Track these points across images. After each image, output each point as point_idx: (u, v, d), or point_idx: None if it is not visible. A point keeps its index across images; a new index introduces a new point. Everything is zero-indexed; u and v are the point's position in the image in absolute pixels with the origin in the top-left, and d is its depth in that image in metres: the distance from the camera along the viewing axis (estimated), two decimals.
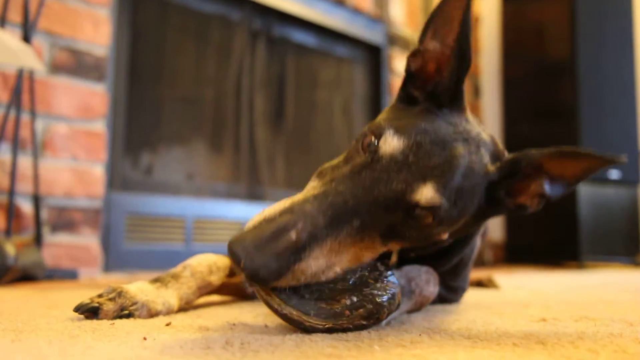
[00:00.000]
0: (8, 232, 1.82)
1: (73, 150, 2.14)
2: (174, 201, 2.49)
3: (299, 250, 0.72)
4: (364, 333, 0.78)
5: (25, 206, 1.99)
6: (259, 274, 0.70)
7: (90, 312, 0.86)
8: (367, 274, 0.83)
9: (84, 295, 0.99)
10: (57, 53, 2.13)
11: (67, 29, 2.15)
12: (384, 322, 0.84)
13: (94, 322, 0.85)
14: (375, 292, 0.81)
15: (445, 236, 0.90)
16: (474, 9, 4.18)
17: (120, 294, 0.89)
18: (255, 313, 1.01)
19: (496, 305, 1.24)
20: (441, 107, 0.90)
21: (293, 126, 3.12)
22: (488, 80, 4.25)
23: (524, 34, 3.99)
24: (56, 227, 2.08)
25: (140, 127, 2.52)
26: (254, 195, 2.85)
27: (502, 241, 4.10)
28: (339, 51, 3.36)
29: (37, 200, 1.94)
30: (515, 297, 1.46)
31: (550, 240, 3.72)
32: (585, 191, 3.55)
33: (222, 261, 1.10)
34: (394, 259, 1.00)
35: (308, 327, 0.76)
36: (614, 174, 3.60)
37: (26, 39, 1.86)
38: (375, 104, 3.45)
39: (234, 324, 0.87)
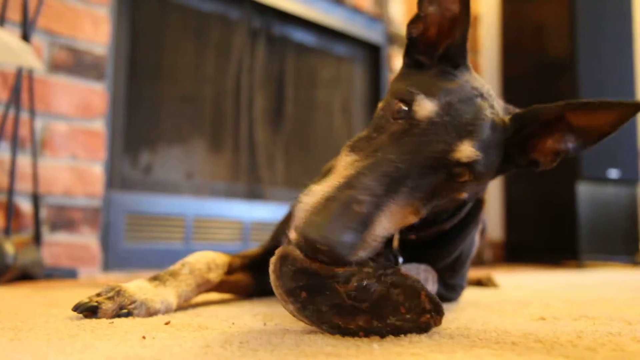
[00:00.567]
0: (7, 231, 1.82)
1: (72, 149, 2.14)
2: (174, 200, 2.49)
3: (366, 221, 0.73)
4: None
5: (25, 205, 1.99)
6: (337, 252, 0.70)
7: (89, 311, 0.86)
8: (404, 301, 0.74)
9: (83, 294, 0.99)
10: (57, 52, 2.13)
11: (67, 28, 2.15)
12: None
13: (93, 321, 0.85)
14: (402, 324, 0.74)
15: (465, 195, 0.90)
16: (473, 8, 4.18)
17: (118, 292, 0.89)
18: (254, 312, 1.01)
19: (495, 304, 1.24)
20: (456, 67, 0.92)
21: (292, 125, 3.12)
22: (487, 79, 4.25)
23: (524, 33, 3.99)
24: (55, 226, 2.08)
25: (140, 126, 2.52)
26: (254, 194, 2.85)
27: (501, 240, 4.10)
28: (338, 50, 3.36)
29: (36, 199, 1.94)
30: (515, 296, 1.46)
31: (550, 239, 3.72)
32: (585, 190, 3.55)
33: (221, 259, 1.10)
34: (395, 243, 1.01)
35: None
36: (614, 173, 3.60)
37: (25, 37, 1.86)
38: (374, 103, 3.45)
39: (232, 323, 0.87)
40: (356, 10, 3.28)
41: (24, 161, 1.98)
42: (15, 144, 1.87)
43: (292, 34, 3.12)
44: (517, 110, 0.95)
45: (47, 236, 2.05)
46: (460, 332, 0.81)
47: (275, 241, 1.23)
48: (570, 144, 0.93)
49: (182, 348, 0.66)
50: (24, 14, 1.87)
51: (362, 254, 0.74)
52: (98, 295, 0.89)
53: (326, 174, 0.88)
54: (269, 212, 2.75)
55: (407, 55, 0.98)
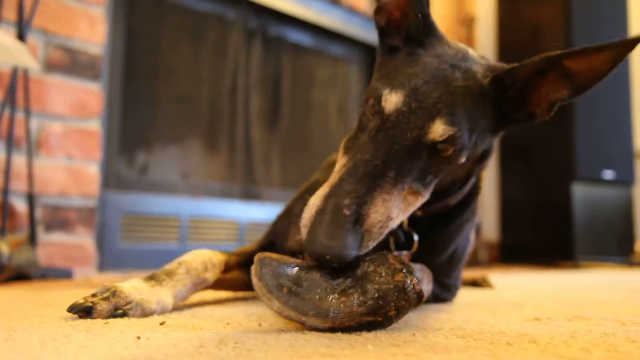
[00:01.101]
0: (2, 231, 1.82)
1: (68, 149, 2.14)
2: (169, 200, 2.49)
3: (358, 218, 0.80)
4: (358, 332, 0.78)
5: (20, 205, 1.99)
6: (345, 255, 0.78)
7: (83, 312, 0.86)
8: (373, 267, 0.80)
9: (78, 294, 0.99)
10: (52, 51, 2.12)
11: (62, 28, 2.15)
12: (396, 320, 0.80)
13: (88, 321, 0.84)
14: (379, 286, 0.77)
15: (464, 159, 0.93)
16: (470, 10, 4.19)
17: (114, 293, 0.89)
18: (249, 312, 1.01)
19: (490, 304, 1.25)
20: (421, 44, 0.96)
21: (288, 125, 3.12)
22: None
23: (520, 34, 4.00)
24: (51, 226, 2.08)
25: (136, 126, 2.51)
26: (249, 194, 2.85)
27: (496, 241, 4.11)
28: (334, 50, 3.36)
29: (31, 199, 1.94)
30: (510, 297, 1.47)
31: (545, 240, 3.73)
32: (580, 191, 3.56)
33: (217, 257, 1.10)
34: (405, 223, 1.05)
35: (309, 327, 0.77)
36: (609, 174, 3.62)
37: (21, 37, 1.86)
38: None
39: (227, 323, 0.87)
40: (352, 11, 3.28)
41: (19, 161, 1.98)
42: (11, 144, 1.86)
43: (289, 34, 3.12)
44: (505, 66, 0.96)
45: (42, 236, 2.05)
46: (454, 332, 0.82)
47: (270, 238, 1.23)
48: (565, 91, 0.95)
49: (176, 348, 0.66)
50: (19, 14, 1.86)
51: (371, 243, 0.83)
52: (93, 295, 0.89)
53: (325, 169, 0.94)
54: (264, 213, 2.75)
55: (382, 43, 1.02)
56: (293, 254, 1.03)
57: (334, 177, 0.87)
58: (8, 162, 1.86)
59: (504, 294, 1.56)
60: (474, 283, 1.83)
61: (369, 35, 3.38)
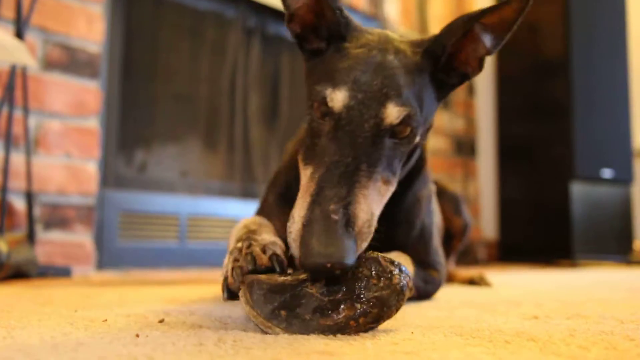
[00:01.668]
0: (1, 229, 1.81)
1: (66, 147, 2.14)
2: (168, 199, 2.49)
3: (348, 220, 0.79)
4: None
5: (18, 203, 1.99)
6: (344, 261, 0.75)
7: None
8: (371, 273, 0.78)
9: (77, 292, 0.99)
10: (50, 49, 2.12)
11: (61, 25, 2.14)
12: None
13: (87, 319, 0.84)
14: (379, 293, 0.76)
15: (418, 137, 0.96)
16: (469, 8, 4.19)
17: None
18: None
19: (488, 303, 1.25)
20: (344, 38, 0.97)
21: (287, 124, 3.12)
22: (482, 79, 4.26)
23: (519, 32, 3.92)
24: (49, 225, 2.08)
25: (134, 125, 2.51)
26: (248, 193, 2.85)
27: (495, 239, 4.11)
28: None
29: (30, 197, 1.94)
30: (508, 295, 1.47)
31: (544, 238, 3.74)
32: (579, 190, 3.56)
33: None
34: None
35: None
36: (607, 173, 3.62)
37: (19, 35, 1.85)
38: None
39: (227, 322, 0.87)
40: (351, 10, 3.28)
41: (17, 159, 1.97)
42: (9, 142, 1.86)
43: (288, 32, 3.11)
44: (423, 40, 1.00)
45: (41, 234, 2.05)
46: (453, 330, 0.82)
47: None
48: (487, 43, 1.00)
49: (175, 346, 0.66)
50: (17, 11, 1.86)
51: (364, 244, 0.81)
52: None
53: (306, 162, 0.91)
54: None
55: (303, 51, 1.03)
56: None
57: (309, 187, 0.85)
58: (6, 160, 1.85)
59: (502, 293, 1.56)
60: (472, 282, 1.83)
61: None
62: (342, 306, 0.75)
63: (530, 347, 0.69)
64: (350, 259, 0.76)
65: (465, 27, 0.97)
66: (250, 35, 2.94)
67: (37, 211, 2.05)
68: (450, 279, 1.93)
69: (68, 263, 2.09)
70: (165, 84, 2.68)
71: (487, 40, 1.00)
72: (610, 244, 3.67)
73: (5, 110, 1.88)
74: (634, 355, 0.66)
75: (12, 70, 1.86)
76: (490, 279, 1.86)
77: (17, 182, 1.97)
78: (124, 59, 2.44)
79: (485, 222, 4.13)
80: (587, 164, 3.57)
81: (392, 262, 0.79)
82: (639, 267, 3.44)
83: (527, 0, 0.96)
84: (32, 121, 2.05)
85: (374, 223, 0.85)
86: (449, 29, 0.98)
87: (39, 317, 0.88)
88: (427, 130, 1.06)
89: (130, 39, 2.49)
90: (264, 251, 0.86)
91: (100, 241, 2.25)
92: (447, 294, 1.47)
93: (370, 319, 0.75)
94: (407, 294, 0.78)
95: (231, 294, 0.84)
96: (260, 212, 1.24)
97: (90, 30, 2.22)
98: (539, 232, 3.78)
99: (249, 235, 0.94)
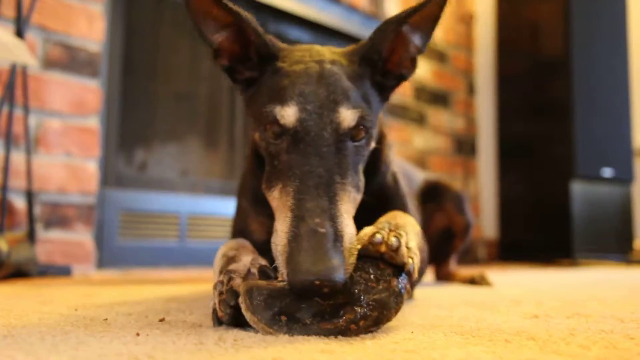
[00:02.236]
0: (1, 228, 1.81)
1: (66, 146, 2.13)
2: (168, 198, 2.49)
3: (335, 235, 0.77)
4: None
5: (19, 202, 1.99)
6: (333, 278, 0.72)
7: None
8: (369, 276, 0.77)
9: (77, 291, 0.99)
10: (51, 48, 2.12)
11: (61, 25, 2.14)
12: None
13: (87, 318, 0.84)
14: (379, 295, 0.76)
15: (373, 140, 0.97)
16: (469, 7, 4.19)
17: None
18: None
19: (489, 302, 1.25)
20: (274, 60, 0.97)
21: None
22: (483, 78, 4.26)
23: (519, 32, 4.00)
24: (49, 223, 2.08)
25: (134, 123, 2.51)
26: None
27: (495, 239, 4.11)
28: None
29: (30, 196, 1.94)
30: (508, 294, 1.47)
31: (544, 237, 3.74)
32: (579, 189, 3.56)
33: None
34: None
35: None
36: (608, 172, 3.62)
37: (19, 34, 1.85)
38: None
39: None
40: (352, 9, 3.28)
41: (17, 158, 1.97)
42: (9, 141, 1.86)
43: (288, 31, 3.11)
44: (356, 48, 1.01)
45: (41, 233, 2.05)
46: (453, 329, 0.82)
47: (238, 238, 1.20)
48: (417, 42, 1.02)
49: (175, 345, 0.66)
50: (18, 10, 1.86)
51: (352, 260, 0.78)
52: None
53: (280, 190, 0.87)
54: None
55: (237, 82, 1.03)
56: (263, 243, 1.04)
57: (285, 200, 0.83)
58: (7, 159, 1.85)
59: (502, 292, 1.56)
60: (472, 281, 1.83)
61: (369, 32, 3.38)
62: (342, 310, 0.74)
63: (531, 346, 0.69)
64: (340, 276, 0.73)
65: (395, 30, 0.99)
66: None
67: (38, 210, 2.05)
68: (451, 278, 1.94)
69: (68, 262, 2.10)
70: (165, 82, 2.68)
71: (416, 39, 1.02)
72: (610, 243, 3.67)
73: (5, 109, 1.88)
74: (634, 354, 0.66)
75: (13, 69, 1.86)
76: (490, 278, 1.86)
77: (17, 181, 1.97)
78: (124, 58, 2.44)
79: (486, 221, 4.13)
80: (588, 163, 3.57)
81: (390, 264, 0.78)
82: (639, 266, 3.44)
83: None
84: (33, 120, 2.05)
85: (354, 238, 0.82)
86: (380, 34, 0.99)
87: (40, 315, 0.88)
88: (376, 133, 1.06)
89: (131, 38, 2.48)
90: (247, 274, 0.85)
91: (100, 240, 2.25)
92: (447, 293, 1.47)
93: (370, 321, 0.75)
94: (406, 296, 0.78)
95: (221, 323, 0.81)
96: (238, 218, 1.26)
97: (91, 29, 2.22)
98: (539, 231, 3.77)
99: (228, 265, 0.91)
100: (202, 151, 2.78)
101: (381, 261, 0.79)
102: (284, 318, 0.73)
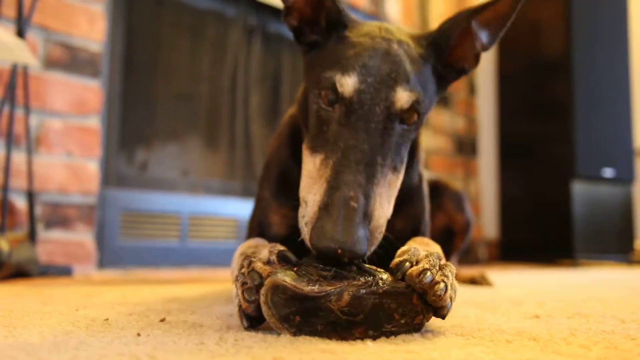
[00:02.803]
0: (2, 228, 1.82)
1: (67, 146, 2.14)
2: (169, 197, 2.49)
3: (367, 213, 0.79)
4: None
5: (19, 202, 1.99)
6: (357, 250, 0.75)
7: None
8: (397, 309, 0.74)
9: (78, 291, 0.99)
10: (52, 48, 2.12)
11: (62, 24, 2.14)
12: None
13: (88, 318, 0.84)
14: (397, 329, 0.74)
15: (420, 129, 0.98)
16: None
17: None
18: None
19: (489, 302, 1.25)
20: (345, 28, 0.96)
21: None
22: (483, 77, 4.25)
23: (520, 31, 3.99)
24: (50, 223, 2.08)
25: (135, 123, 2.51)
26: (249, 191, 2.85)
27: (496, 239, 4.11)
28: None
29: (31, 196, 1.94)
30: (509, 295, 1.47)
31: (545, 238, 3.73)
32: (580, 189, 3.56)
33: None
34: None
35: None
36: (609, 172, 3.62)
37: (20, 33, 1.85)
38: None
39: (228, 321, 0.87)
40: (352, 8, 3.28)
41: (18, 158, 1.98)
42: (10, 141, 1.86)
43: (289, 31, 3.11)
44: (425, 34, 1.00)
45: (42, 233, 2.05)
46: (454, 330, 0.82)
47: (256, 232, 1.18)
48: (484, 39, 1.02)
49: (176, 345, 0.66)
50: (19, 10, 1.86)
51: (373, 248, 0.80)
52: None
53: (313, 151, 0.89)
54: None
55: (301, 44, 1.02)
56: (283, 239, 1.03)
57: (323, 172, 0.84)
58: (8, 159, 1.86)
59: (503, 292, 1.56)
60: (473, 281, 1.83)
61: None
62: (357, 328, 0.73)
63: (532, 346, 0.70)
64: (363, 249, 0.75)
65: (466, 22, 0.99)
66: (251, 33, 2.94)
67: (38, 210, 2.05)
68: None
69: (69, 262, 2.10)
70: (166, 82, 2.68)
71: (483, 36, 1.01)
72: (611, 244, 3.66)
73: (6, 109, 1.88)
74: (635, 354, 0.66)
75: (14, 69, 1.86)
76: (491, 278, 1.86)
77: (18, 181, 1.97)
78: (125, 58, 2.44)
79: (486, 221, 4.13)
80: (588, 163, 3.56)
81: (422, 301, 0.76)
82: None
83: None
84: (33, 120, 2.05)
85: (384, 229, 0.83)
86: (451, 24, 0.99)
87: (40, 316, 0.88)
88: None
89: (132, 37, 2.49)
90: (268, 262, 0.83)
91: (101, 240, 2.25)
92: None
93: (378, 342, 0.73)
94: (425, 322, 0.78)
95: (251, 320, 0.78)
96: (257, 210, 1.20)
97: (92, 29, 2.22)
98: (540, 232, 3.77)
99: (247, 258, 0.88)
100: (203, 151, 2.78)
101: (417, 295, 0.76)
102: (297, 319, 0.72)
